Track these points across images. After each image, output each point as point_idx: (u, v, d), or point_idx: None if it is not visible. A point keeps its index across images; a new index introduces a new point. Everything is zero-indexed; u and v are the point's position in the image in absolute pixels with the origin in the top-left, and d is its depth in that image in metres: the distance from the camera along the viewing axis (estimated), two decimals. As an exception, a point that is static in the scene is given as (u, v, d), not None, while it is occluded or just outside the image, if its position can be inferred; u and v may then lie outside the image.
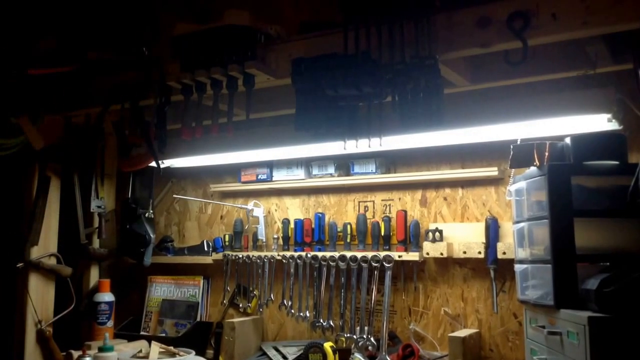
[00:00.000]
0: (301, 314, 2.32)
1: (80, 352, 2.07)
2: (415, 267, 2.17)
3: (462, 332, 1.98)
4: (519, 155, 1.68)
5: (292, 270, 2.34)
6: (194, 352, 2.19)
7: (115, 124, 2.29)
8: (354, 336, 2.17)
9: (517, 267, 1.77)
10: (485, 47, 1.55)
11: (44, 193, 2.43)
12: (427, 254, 2.09)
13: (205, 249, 2.58)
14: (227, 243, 2.54)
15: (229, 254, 2.49)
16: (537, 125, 1.81)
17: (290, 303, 2.35)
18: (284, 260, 2.36)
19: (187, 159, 2.50)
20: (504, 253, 1.96)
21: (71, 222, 2.53)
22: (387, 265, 2.15)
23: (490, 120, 1.84)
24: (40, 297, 2.40)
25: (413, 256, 2.12)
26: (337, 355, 2.15)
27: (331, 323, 2.26)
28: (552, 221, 1.53)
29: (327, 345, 2.15)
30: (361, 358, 2.09)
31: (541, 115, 1.77)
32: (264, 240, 2.49)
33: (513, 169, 1.88)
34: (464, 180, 2.14)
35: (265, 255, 2.41)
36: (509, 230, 1.96)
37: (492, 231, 2.01)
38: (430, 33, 1.56)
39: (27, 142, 2.31)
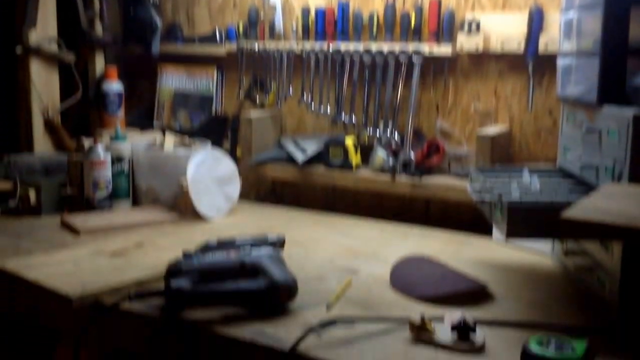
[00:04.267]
0: (322, 108, 2.33)
1: (91, 141, 2.11)
2: (447, 61, 2.13)
3: (492, 129, 2.00)
4: None
5: (312, 63, 2.30)
6: (210, 144, 2.24)
7: None
8: (377, 132, 2.20)
9: (560, 61, 1.72)
10: None
11: (37, -31, 2.33)
12: (461, 47, 2.03)
13: (218, 38, 2.52)
14: (241, 32, 2.47)
15: (243, 45, 2.44)
16: None
17: (310, 97, 2.35)
18: (304, 54, 2.31)
19: None
20: (546, 46, 1.90)
21: (69, 6, 2.46)
22: (415, 59, 2.10)
23: None
24: (45, 85, 2.42)
25: (445, 49, 2.07)
26: (358, 151, 2.20)
27: (353, 119, 2.27)
28: (605, 8, 1.45)
29: (349, 141, 2.19)
30: (384, 154, 2.13)
31: None
32: (282, 31, 2.41)
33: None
34: (509, -37, 2.01)
35: (284, 47, 2.36)
36: (553, 21, 1.88)
37: (536, 22, 1.93)
38: None
39: None
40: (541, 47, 1.92)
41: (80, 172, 2.10)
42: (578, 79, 1.58)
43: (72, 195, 2.11)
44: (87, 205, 2.08)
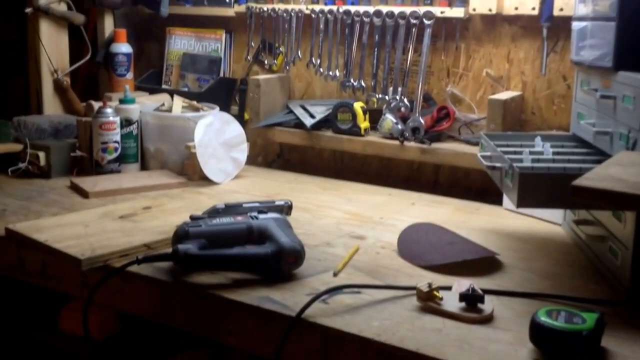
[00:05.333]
0: (330, 73, 2.27)
1: (100, 104, 2.07)
2: (459, 24, 2.05)
3: (504, 95, 1.93)
4: None
5: (321, 26, 2.23)
6: (218, 108, 2.20)
7: None
8: (386, 97, 2.14)
9: (575, 25, 1.64)
10: None
11: None
12: (474, 9, 1.95)
13: (227, -1, 2.45)
14: (250, -7, 2.40)
15: (252, 6, 2.36)
16: None
17: (319, 61, 2.28)
18: (313, 15, 2.23)
19: None
20: (561, 9, 1.83)
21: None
22: (427, 22, 2.02)
23: None
24: (54, 46, 2.37)
25: (457, 12, 1.99)
26: (367, 116, 2.14)
27: (362, 83, 2.21)
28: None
29: (357, 106, 2.13)
30: (393, 119, 2.08)
31: None
32: (292, -9, 2.34)
33: None
34: None
35: (293, 9, 2.29)
36: (570, -17, 1.81)
37: (551, -16, 1.85)
38: None
39: None
40: (556, 10, 1.84)
41: (89, 134, 2.06)
42: (593, 43, 1.52)
43: (82, 157, 2.08)
44: (96, 167, 2.05)
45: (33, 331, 1.87)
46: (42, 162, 2.03)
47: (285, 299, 1.21)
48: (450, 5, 2.02)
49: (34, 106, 2.40)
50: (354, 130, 2.12)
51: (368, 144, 2.10)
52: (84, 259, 1.35)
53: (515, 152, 1.48)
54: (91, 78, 2.61)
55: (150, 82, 2.57)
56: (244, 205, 1.60)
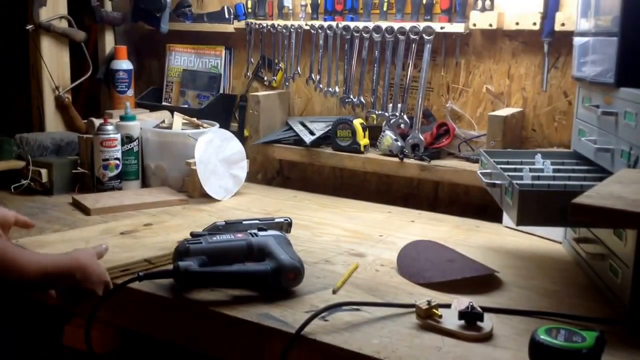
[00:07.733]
0: (330, 89, 2.29)
1: (101, 121, 2.09)
2: (459, 40, 2.07)
3: (504, 111, 1.94)
4: None
5: (321, 41, 2.26)
6: (218, 125, 2.21)
7: None
8: (386, 113, 2.16)
9: (577, 41, 1.66)
10: None
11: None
12: (474, 25, 1.97)
13: (226, 15, 2.47)
14: (249, 10, 2.43)
15: (252, 23, 2.39)
16: None
17: (318, 77, 2.30)
18: (313, 31, 2.26)
19: None
20: (563, 24, 1.84)
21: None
22: (427, 37, 2.04)
23: None
24: (55, 63, 2.39)
25: (457, 27, 2.01)
26: (367, 133, 2.16)
27: (362, 99, 2.23)
28: (625, -15, 1.39)
29: (357, 122, 2.14)
30: (392, 136, 2.09)
31: None
32: (291, 7, 2.36)
33: None
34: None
35: (292, 25, 2.31)
36: (571, -1, 1.83)
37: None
38: None
39: None
40: (557, 25, 1.86)
41: (90, 151, 2.08)
42: (595, 59, 1.53)
43: (83, 174, 2.10)
44: (97, 184, 2.06)
45: (38, 347, 1.88)
46: (45, 179, 2.05)
47: (284, 316, 1.22)
48: (450, 20, 2.04)
49: (36, 123, 2.42)
50: (354, 147, 2.14)
51: (367, 161, 2.12)
52: (86, 276, 1.37)
53: (515, 170, 1.49)
54: (92, 95, 2.63)
55: (151, 99, 2.59)
56: (244, 222, 1.61)
